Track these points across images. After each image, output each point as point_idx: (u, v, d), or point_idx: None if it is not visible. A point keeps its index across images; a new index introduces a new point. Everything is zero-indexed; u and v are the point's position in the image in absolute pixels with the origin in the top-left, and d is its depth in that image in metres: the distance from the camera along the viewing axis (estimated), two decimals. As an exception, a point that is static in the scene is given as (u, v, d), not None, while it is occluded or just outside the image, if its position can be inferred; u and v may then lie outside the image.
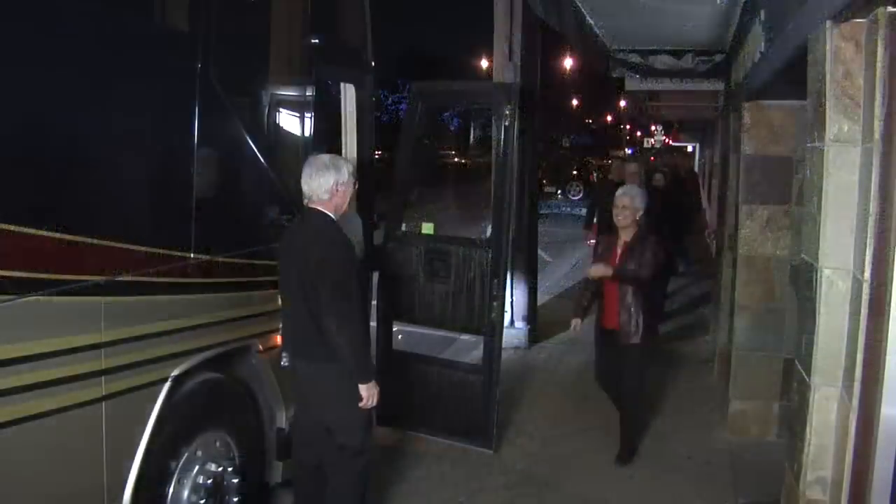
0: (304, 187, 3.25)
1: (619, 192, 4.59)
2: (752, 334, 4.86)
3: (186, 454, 3.13)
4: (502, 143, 4.51)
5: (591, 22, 6.74)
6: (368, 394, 3.25)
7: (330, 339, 3.13)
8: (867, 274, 2.33)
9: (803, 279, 2.79)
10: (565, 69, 36.31)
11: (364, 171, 4.50)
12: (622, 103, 31.59)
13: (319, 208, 3.25)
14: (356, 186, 3.39)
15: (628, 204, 4.44)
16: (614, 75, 8.20)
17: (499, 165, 4.58)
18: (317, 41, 3.75)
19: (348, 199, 3.33)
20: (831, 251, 2.50)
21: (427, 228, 4.77)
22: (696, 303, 9.05)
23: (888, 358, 2.18)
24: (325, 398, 3.35)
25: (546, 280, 10.18)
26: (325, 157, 3.29)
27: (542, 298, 8.47)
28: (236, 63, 3.37)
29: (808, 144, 2.77)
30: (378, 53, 4.55)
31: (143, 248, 2.82)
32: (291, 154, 3.74)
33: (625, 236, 4.48)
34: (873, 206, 2.30)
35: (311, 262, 3.12)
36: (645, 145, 39.43)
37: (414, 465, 4.46)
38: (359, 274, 3.28)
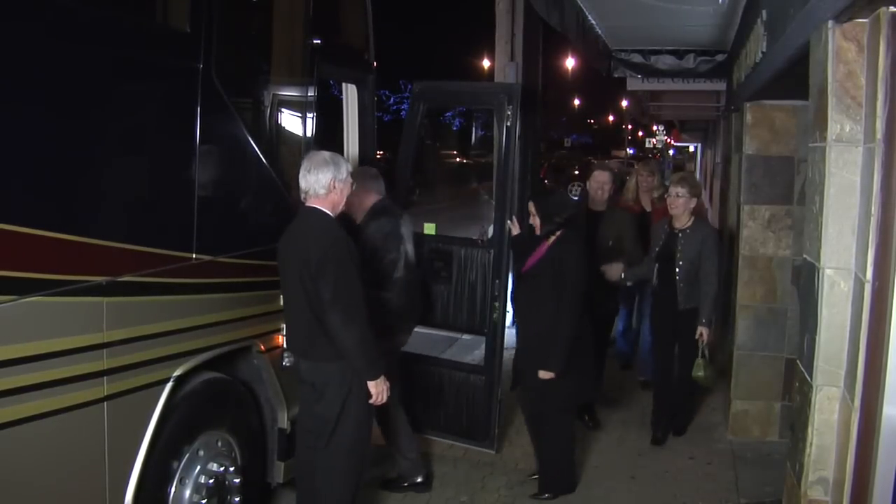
0: (302, 182, 3.21)
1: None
2: (754, 334, 4.86)
3: (188, 454, 3.13)
4: (504, 143, 4.50)
5: (593, 22, 6.75)
6: (378, 390, 3.23)
7: (335, 336, 3.11)
8: (869, 274, 2.33)
9: (805, 279, 2.79)
10: (567, 69, 36.33)
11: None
12: (624, 103, 31.56)
13: (317, 205, 3.22)
14: (354, 187, 3.38)
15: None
16: (616, 75, 8.20)
17: (500, 166, 4.58)
18: (319, 41, 3.75)
19: (345, 199, 3.30)
20: (833, 251, 2.50)
21: (429, 228, 4.76)
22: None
23: (890, 358, 2.18)
24: (326, 398, 3.34)
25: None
26: (325, 154, 3.26)
27: (543, 298, 8.44)
28: (238, 63, 3.37)
29: (810, 144, 2.77)
30: (379, 53, 4.56)
31: (144, 249, 2.82)
32: (293, 154, 3.74)
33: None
34: (875, 207, 2.30)
35: (312, 261, 3.10)
36: (647, 145, 39.40)
37: (415, 465, 4.46)
38: (360, 270, 3.26)
